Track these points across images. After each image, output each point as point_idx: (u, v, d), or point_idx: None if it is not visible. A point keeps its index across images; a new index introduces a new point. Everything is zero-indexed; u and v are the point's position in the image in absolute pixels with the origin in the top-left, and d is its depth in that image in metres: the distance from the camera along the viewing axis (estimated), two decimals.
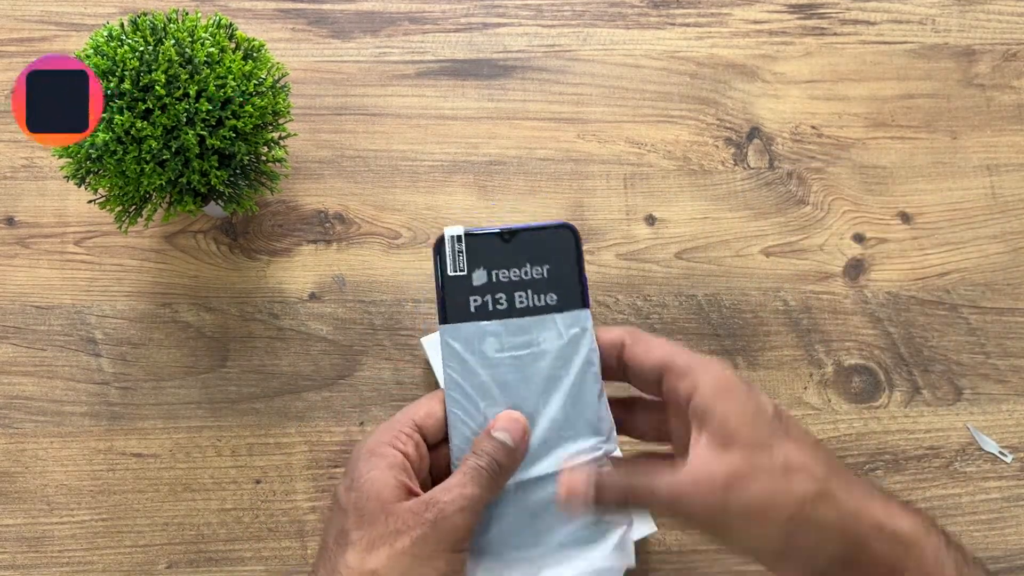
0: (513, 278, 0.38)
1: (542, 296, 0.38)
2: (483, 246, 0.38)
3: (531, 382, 0.37)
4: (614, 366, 0.38)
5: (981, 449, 0.61)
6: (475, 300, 0.37)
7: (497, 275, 0.38)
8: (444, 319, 0.37)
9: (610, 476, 0.36)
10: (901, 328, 0.63)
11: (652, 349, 0.37)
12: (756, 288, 0.63)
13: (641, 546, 0.57)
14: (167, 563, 0.57)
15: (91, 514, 0.58)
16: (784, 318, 0.63)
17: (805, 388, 0.62)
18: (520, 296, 0.38)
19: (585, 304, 0.38)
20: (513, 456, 0.36)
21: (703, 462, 0.35)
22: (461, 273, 0.38)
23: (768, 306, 0.63)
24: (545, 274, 0.38)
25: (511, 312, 0.37)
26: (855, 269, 0.64)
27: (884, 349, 0.62)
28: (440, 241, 0.38)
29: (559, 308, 0.37)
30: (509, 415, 0.37)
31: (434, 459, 0.38)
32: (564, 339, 0.37)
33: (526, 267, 0.38)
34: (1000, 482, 0.60)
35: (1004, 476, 0.60)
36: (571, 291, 0.38)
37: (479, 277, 0.38)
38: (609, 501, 0.36)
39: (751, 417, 0.35)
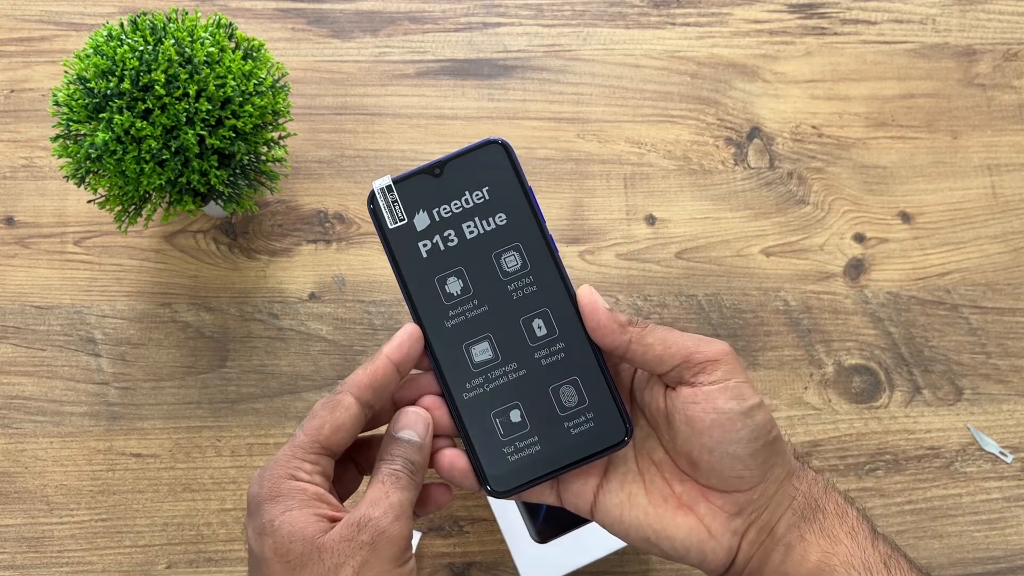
0: (455, 210, 0.36)
1: (490, 219, 0.36)
2: (416, 188, 0.36)
3: None
4: (615, 356, 0.37)
5: (982, 449, 0.61)
6: (424, 245, 0.36)
7: (439, 213, 0.36)
8: (399, 273, 0.36)
9: None
10: (902, 328, 0.63)
11: (670, 344, 0.35)
12: (756, 288, 0.63)
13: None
14: (167, 563, 0.57)
15: (91, 514, 0.58)
16: (784, 318, 0.63)
17: (805, 388, 0.61)
18: (468, 226, 0.36)
19: (535, 211, 0.36)
20: (423, 451, 0.36)
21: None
22: (402, 223, 0.36)
23: (768, 306, 0.63)
24: (487, 195, 0.36)
25: (464, 245, 0.36)
26: (855, 269, 0.64)
27: (885, 349, 0.62)
28: (372, 197, 0.36)
29: (511, 226, 0.36)
30: (408, 412, 0.36)
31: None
32: None
33: (465, 195, 0.36)
34: (1001, 482, 0.60)
35: (1005, 476, 0.60)
36: (517, 204, 0.36)
37: (421, 221, 0.36)
38: None
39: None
